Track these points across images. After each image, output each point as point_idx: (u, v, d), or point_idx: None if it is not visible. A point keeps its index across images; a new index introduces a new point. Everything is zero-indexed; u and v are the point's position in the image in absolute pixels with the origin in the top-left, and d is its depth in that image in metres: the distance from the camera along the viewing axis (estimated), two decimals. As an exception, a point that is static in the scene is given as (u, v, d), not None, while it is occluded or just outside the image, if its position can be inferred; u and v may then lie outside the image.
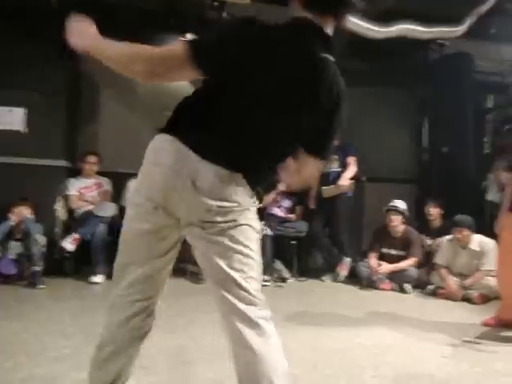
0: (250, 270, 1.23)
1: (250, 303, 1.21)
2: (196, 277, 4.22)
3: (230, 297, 1.21)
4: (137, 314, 1.36)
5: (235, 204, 1.21)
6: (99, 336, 1.38)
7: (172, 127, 1.26)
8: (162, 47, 1.27)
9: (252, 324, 1.20)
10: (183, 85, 4.93)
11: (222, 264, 1.21)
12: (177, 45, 1.22)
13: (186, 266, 4.29)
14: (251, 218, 1.26)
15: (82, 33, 1.31)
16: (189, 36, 4.55)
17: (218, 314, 1.27)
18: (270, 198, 4.56)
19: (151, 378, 1.95)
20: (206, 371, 2.06)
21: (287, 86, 1.21)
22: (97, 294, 3.59)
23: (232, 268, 1.21)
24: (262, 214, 4.52)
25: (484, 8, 4.98)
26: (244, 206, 1.23)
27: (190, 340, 2.47)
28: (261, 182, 1.29)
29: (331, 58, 1.27)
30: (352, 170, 4.41)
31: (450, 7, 4.77)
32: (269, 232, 4.27)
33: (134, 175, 4.86)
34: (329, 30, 1.29)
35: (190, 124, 1.24)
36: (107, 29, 4.66)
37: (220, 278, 1.22)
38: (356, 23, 4.84)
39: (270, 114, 1.22)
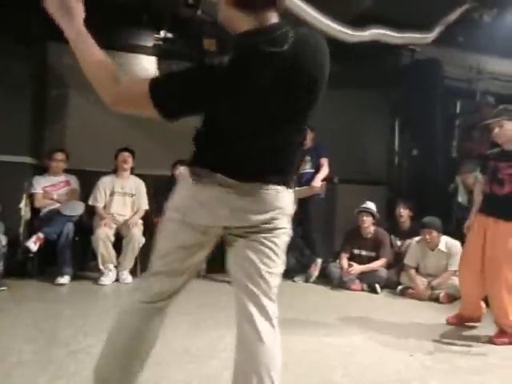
0: (275, 267, 1.34)
1: (270, 299, 1.32)
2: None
3: (255, 289, 1.30)
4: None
5: (279, 211, 1.31)
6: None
7: (205, 162, 1.27)
8: (131, 82, 1.30)
9: (268, 318, 1.30)
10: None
11: (255, 258, 1.30)
12: (144, 86, 1.19)
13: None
14: (288, 222, 1.36)
15: (70, 13, 1.29)
16: (162, 33, 4.51)
17: (236, 303, 1.36)
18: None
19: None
20: (176, 373, 2.03)
21: (282, 94, 1.21)
22: (62, 296, 3.47)
23: (263, 263, 1.31)
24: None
25: (452, 17, 5.14)
26: (286, 212, 1.33)
27: (161, 341, 2.41)
28: (292, 178, 1.36)
29: (290, 38, 1.20)
30: (324, 171, 4.44)
31: (420, 15, 4.90)
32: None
33: (103, 173, 4.74)
34: (273, 19, 1.24)
35: (220, 156, 1.26)
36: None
37: (250, 271, 1.30)
38: (330, 26, 4.90)
39: (277, 120, 1.24)
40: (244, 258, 1.32)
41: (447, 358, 2.45)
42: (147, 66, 4.83)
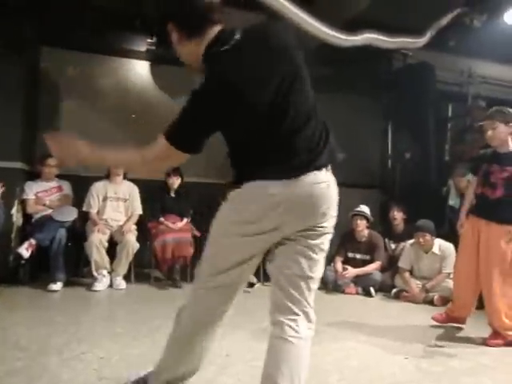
0: (319, 271, 1.42)
1: (311, 304, 1.41)
2: (160, 283, 4.13)
3: (298, 295, 1.38)
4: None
5: (329, 205, 1.41)
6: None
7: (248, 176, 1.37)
8: (149, 147, 1.45)
9: (310, 321, 1.40)
10: (148, 88, 4.81)
11: (304, 263, 1.38)
12: (161, 139, 1.38)
13: (150, 272, 4.19)
14: (333, 217, 1.45)
15: (71, 153, 1.46)
16: (155, 38, 4.51)
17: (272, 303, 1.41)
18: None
19: (111, 387, 1.87)
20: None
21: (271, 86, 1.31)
22: (55, 302, 3.44)
23: (310, 269, 1.38)
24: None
25: (443, 21, 5.20)
26: (334, 206, 1.44)
27: (153, 348, 2.40)
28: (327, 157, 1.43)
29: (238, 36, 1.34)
30: None
31: (412, 19, 4.95)
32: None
33: (96, 178, 4.71)
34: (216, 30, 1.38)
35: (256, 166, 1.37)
36: (72, 28, 4.54)
37: (296, 276, 1.38)
38: (323, 31, 4.93)
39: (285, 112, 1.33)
40: (293, 261, 1.38)
41: (441, 360, 2.46)
42: (140, 70, 4.83)
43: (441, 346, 2.70)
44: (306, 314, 1.39)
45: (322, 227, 1.40)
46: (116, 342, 2.45)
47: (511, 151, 2.78)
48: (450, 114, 5.97)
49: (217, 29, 1.37)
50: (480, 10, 4.99)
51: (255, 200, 1.35)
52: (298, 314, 1.37)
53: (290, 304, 1.37)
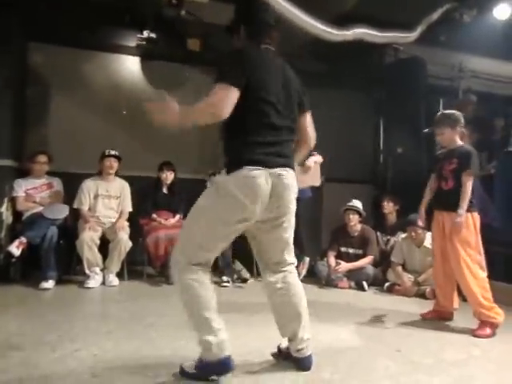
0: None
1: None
2: (153, 279, 4.12)
3: (287, 257, 2.09)
4: None
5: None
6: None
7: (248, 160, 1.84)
8: (215, 96, 1.74)
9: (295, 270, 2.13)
10: (139, 84, 4.75)
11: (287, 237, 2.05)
12: (217, 87, 1.74)
13: (143, 269, 4.17)
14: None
15: (167, 113, 1.79)
16: (145, 33, 4.47)
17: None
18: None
19: (105, 386, 1.87)
20: (166, 376, 1.99)
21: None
22: (47, 300, 3.40)
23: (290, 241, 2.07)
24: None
25: (434, 16, 5.21)
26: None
27: (147, 345, 2.39)
28: None
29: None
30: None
31: (403, 14, 4.95)
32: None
33: (87, 175, 4.65)
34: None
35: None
36: (60, 23, 4.47)
37: (283, 246, 2.05)
38: (314, 25, 4.92)
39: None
40: (278, 239, 2.05)
41: (432, 352, 2.49)
42: (130, 66, 4.78)
43: (432, 338, 2.73)
44: (292, 266, 2.16)
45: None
46: (110, 339, 2.43)
47: (457, 146, 3.01)
48: (441, 108, 5.99)
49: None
50: (469, 4, 5.01)
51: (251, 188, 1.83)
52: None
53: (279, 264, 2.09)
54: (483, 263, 2.93)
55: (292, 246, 2.09)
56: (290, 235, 2.06)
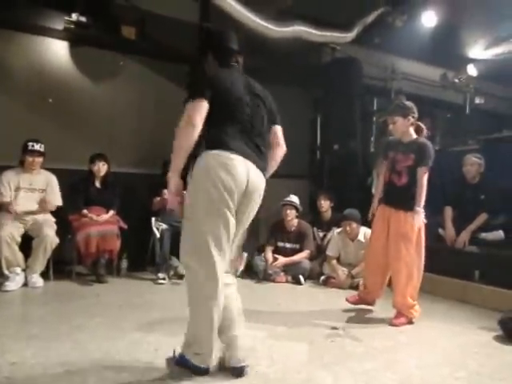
0: None
1: None
2: (83, 278, 3.89)
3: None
4: None
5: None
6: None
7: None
8: (188, 111, 1.90)
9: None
10: (67, 70, 4.45)
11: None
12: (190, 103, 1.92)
13: (71, 268, 3.92)
14: None
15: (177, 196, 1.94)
16: (74, 16, 4.17)
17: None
18: (162, 201, 4.35)
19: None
20: (95, 382, 1.88)
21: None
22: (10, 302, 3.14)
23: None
24: (159, 210, 4.32)
25: (369, 19, 5.42)
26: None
27: (75, 348, 2.23)
28: None
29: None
30: None
31: (340, 15, 5.09)
32: (164, 226, 4.09)
33: (6, 168, 4.22)
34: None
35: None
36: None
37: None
38: (254, 21, 4.91)
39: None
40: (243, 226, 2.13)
41: (364, 340, 2.58)
42: (57, 50, 4.44)
43: (363, 327, 2.83)
44: None
45: None
46: (31, 346, 2.24)
47: (413, 140, 2.97)
48: (375, 107, 6.25)
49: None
50: (401, 10, 5.27)
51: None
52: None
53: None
54: (422, 264, 2.96)
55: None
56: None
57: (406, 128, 2.96)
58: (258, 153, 2.00)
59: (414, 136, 2.99)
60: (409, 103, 3.03)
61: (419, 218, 2.85)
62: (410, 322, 2.95)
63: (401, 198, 2.94)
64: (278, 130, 2.19)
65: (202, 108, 1.88)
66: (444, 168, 4.53)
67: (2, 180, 3.67)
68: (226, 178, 1.85)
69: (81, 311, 2.92)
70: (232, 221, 1.91)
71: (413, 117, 2.96)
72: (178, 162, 1.86)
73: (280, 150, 2.20)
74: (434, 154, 2.93)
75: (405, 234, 2.89)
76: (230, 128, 1.93)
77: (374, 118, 6.07)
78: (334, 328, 2.77)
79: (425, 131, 3.01)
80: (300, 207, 4.51)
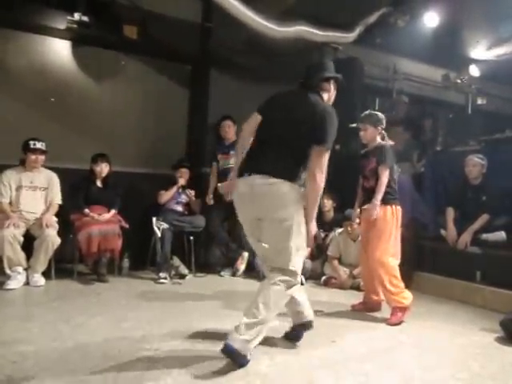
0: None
1: None
2: (85, 277, 3.89)
3: None
4: None
5: None
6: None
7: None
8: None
9: None
10: (69, 70, 4.43)
11: None
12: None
13: (73, 267, 3.92)
14: None
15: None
16: (76, 16, 4.17)
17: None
18: (170, 194, 4.38)
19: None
20: (96, 381, 1.87)
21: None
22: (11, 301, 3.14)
23: None
24: (160, 209, 4.33)
25: (371, 19, 5.41)
26: None
27: (76, 347, 2.24)
28: None
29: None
30: None
31: (342, 15, 5.09)
32: (165, 226, 4.10)
33: (7, 166, 4.24)
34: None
35: None
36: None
37: None
38: (257, 21, 4.90)
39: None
40: None
41: (365, 341, 2.58)
42: (59, 50, 4.44)
43: (364, 328, 2.83)
44: None
45: None
46: (31, 344, 2.24)
47: (376, 145, 3.19)
48: (377, 107, 6.24)
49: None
50: (403, 10, 5.26)
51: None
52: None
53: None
54: (397, 253, 3.11)
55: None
56: None
57: (374, 135, 3.19)
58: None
59: (378, 141, 3.21)
60: (380, 114, 3.26)
61: (375, 210, 3.01)
62: (406, 311, 2.96)
63: (370, 196, 3.11)
64: (316, 150, 2.21)
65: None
66: (445, 168, 4.54)
67: (2, 179, 3.68)
68: None
69: (82, 310, 2.92)
70: None
71: (381, 127, 3.20)
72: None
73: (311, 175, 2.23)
74: (394, 156, 3.17)
75: (376, 228, 3.03)
76: None
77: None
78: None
79: (389, 141, 3.24)
80: (302, 207, 4.50)
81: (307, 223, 2.19)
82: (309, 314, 2.41)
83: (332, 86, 2.46)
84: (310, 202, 2.18)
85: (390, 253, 3.02)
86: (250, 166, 2.21)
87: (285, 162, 2.16)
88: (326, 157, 2.19)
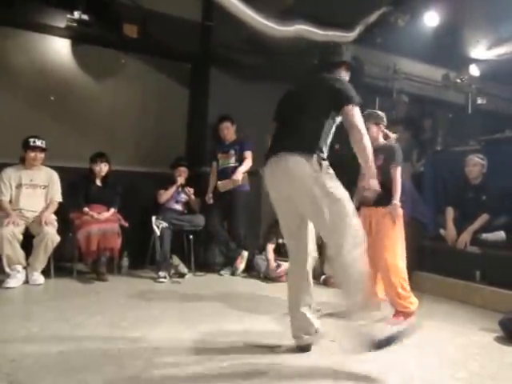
0: None
1: None
2: (84, 276, 3.89)
3: None
4: None
5: None
6: None
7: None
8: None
9: None
10: (69, 68, 4.43)
11: None
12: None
13: (72, 266, 3.92)
14: None
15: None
16: (76, 14, 4.17)
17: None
18: (169, 193, 4.38)
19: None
20: (95, 380, 1.87)
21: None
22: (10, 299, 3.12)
23: None
24: (160, 208, 4.33)
25: (371, 18, 5.41)
26: None
27: (75, 346, 2.23)
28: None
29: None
30: (247, 164, 4.44)
31: (342, 14, 5.08)
32: (165, 224, 4.10)
33: (7, 165, 4.24)
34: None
35: None
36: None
37: None
38: (257, 20, 4.90)
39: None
40: None
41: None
42: (59, 48, 4.43)
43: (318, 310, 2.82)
44: None
45: None
46: (31, 343, 2.24)
47: (381, 144, 3.18)
48: (377, 107, 6.23)
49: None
50: (404, 10, 5.25)
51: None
52: None
53: None
54: (403, 255, 3.07)
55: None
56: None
57: (377, 135, 3.19)
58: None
59: (383, 141, 3.21)
60: (381, 113, 3.26)
61: (397, 211, 2.99)
62: (409, 316, 2.94)
63: (378, 195, 3.00)
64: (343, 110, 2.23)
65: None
66: (445, 168, 4.54)
67: (2, 177, 3.68)
68: None
69: (81, 309, 2.92)
70: None
71: (383, 125, 3.21)
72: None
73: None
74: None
75: (384, 227, 3.01)
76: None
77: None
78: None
79: (392, 138, 3.24)
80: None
81: (366, 180, 2.29)
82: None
83: (343, 71, 2.49)
84: (362, 162, 2.27)
85: (398, 254, 3.00)
86: (270, 150, 2.29)
87: (300, 135, 2.22)
88: (358, 113, 2.21)
